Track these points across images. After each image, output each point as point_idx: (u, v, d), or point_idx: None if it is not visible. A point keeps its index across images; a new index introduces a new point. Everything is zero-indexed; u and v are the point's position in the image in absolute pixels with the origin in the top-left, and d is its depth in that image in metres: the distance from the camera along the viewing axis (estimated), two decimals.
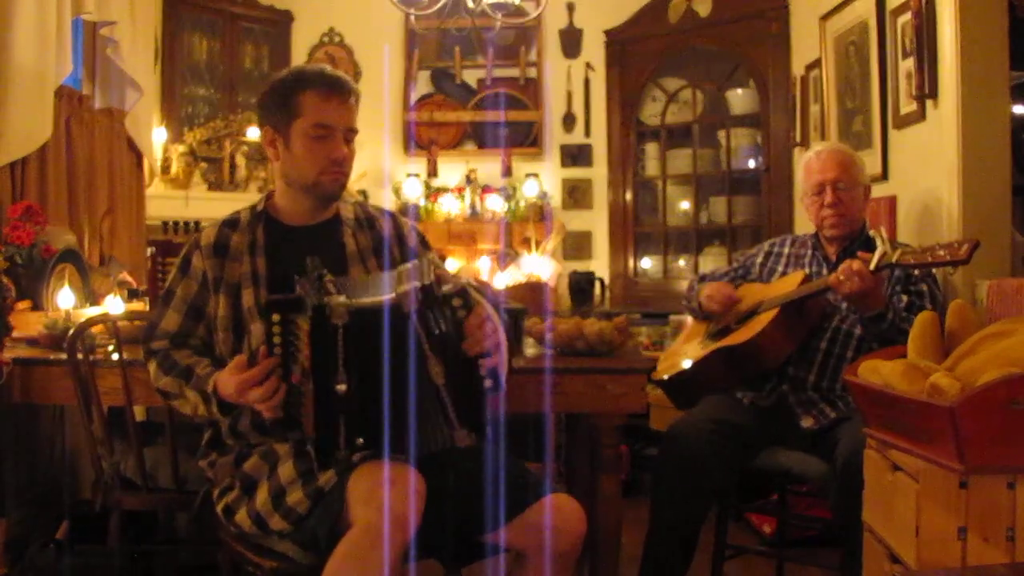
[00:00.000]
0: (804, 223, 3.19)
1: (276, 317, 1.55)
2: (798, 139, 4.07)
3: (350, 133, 1.82)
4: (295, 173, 1.81)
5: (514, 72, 5.04)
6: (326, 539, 1.55)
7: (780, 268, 2.52)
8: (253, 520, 1.67)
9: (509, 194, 4.91)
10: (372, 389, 1.52)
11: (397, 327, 1.54)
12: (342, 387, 1.52)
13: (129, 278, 3.25)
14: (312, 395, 1.55)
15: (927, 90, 2.65)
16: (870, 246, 2.25)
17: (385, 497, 1.50)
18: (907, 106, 2.85)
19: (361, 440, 1.56)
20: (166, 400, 1.84)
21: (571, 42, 5.04)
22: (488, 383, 1.59)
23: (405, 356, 1.55)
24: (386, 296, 1.57)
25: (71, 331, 2.07)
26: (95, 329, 2.19)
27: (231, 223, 1.86)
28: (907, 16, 2.77)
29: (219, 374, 1.68)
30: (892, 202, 2.93)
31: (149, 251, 2.77)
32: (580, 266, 4.77)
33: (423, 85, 5.13)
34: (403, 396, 1.54)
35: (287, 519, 1.64)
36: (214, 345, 1.81)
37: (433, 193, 4.94)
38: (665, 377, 2.46)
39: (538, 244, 4.43)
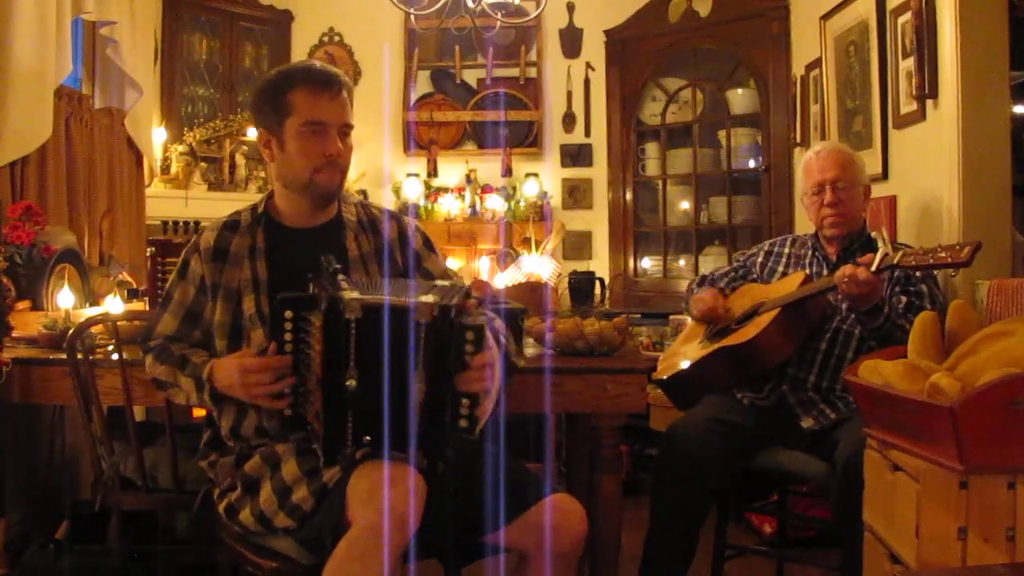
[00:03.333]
0: (804, 223, 3.19)
1: (289, 314, 1.54)
2: (798, 139, 4.07)
3: (345, 128, 1.78)
4: (290, 173, 1.78)
5: (514, 72, 5.04)
6: (331, 537, 1.54)
7: (780, 268, 2.52)
8: (257, 518, 1.67)
9: (509, 194, 4.91)
10: (378, 388, 1.52)
11: (402, 333, 1.51)
12: (352, 382, 1.52)
13: (129, 278, 3.25)
14: (321, 391, 1.54)
15: (927, 90, 2.64)
16: (870, 246, 2.25)
17: (385, 498, 1.49)
18: (907, 106, 2.85)
19: (368, 438, 1.55)
20: (160, 390, 1.84)
21: (571, 42, 5.04)
22: (463, 423, 1.55)
23: (406, 361, 1.53)
24: (409, 299, 1.55)
25: (71, 331, 2.07)
26: (95, 329, 2.19)
27: (231, 225, 1.83)
28: (907, 16, 2.77)
29: (219, 360, 1.68)
30: (892, 202, 2.93)
31: (149, 251, 2.78)
32: (580, 266, 4.77)
33: (423, 85, 5.13)
34: (405, 398, 1.54)
35: (292, 517, 1.63)
36: (212, 350, 1.79)
37: (433, 193, 4.94)
38: (665, 377, 2.46)
39: (538, 244, 4.42)
